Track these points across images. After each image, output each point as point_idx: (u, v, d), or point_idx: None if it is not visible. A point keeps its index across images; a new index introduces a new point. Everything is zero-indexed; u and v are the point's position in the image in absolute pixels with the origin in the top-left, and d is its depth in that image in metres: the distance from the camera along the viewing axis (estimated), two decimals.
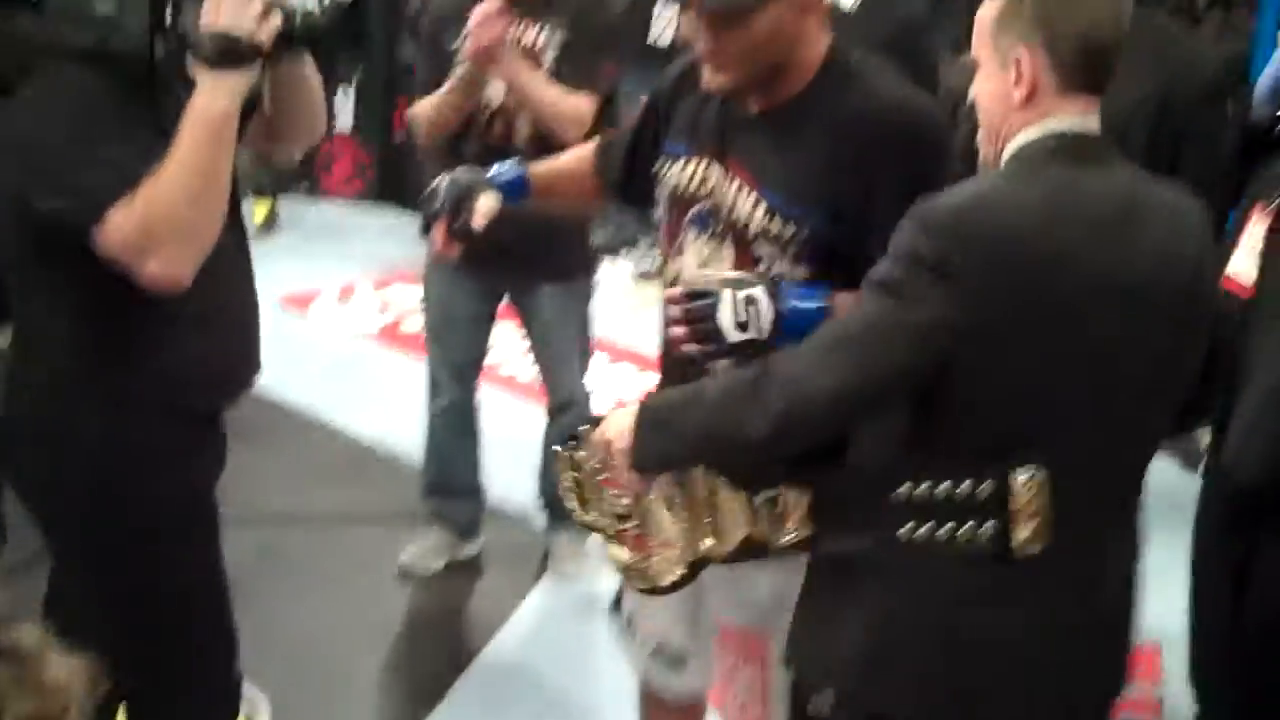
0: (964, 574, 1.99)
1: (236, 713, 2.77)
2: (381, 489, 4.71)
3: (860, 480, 2.09)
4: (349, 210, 7.97)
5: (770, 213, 2.30)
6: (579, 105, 3.65)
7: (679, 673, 2.72)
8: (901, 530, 1.98)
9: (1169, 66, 3.02)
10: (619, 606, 2.77)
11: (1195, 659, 3.01)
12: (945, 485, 1.95)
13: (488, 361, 4.23)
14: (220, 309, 2.49)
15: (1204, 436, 3.12)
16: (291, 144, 2.73)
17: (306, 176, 8.08)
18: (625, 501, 2.32)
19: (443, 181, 2.63)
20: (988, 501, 1.94)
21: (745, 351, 2.18)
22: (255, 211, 7.19)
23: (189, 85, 2.25)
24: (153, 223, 2.21)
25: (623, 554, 2.34)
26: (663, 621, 2.66)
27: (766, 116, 2.34)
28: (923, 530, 1.97)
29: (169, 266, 2.24)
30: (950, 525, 1.95)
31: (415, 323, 4.55)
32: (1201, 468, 3.12)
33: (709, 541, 2.21)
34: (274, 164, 6.56)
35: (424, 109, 3.78)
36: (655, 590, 2.30)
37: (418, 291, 4.17)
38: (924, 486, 1.96)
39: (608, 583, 2.82)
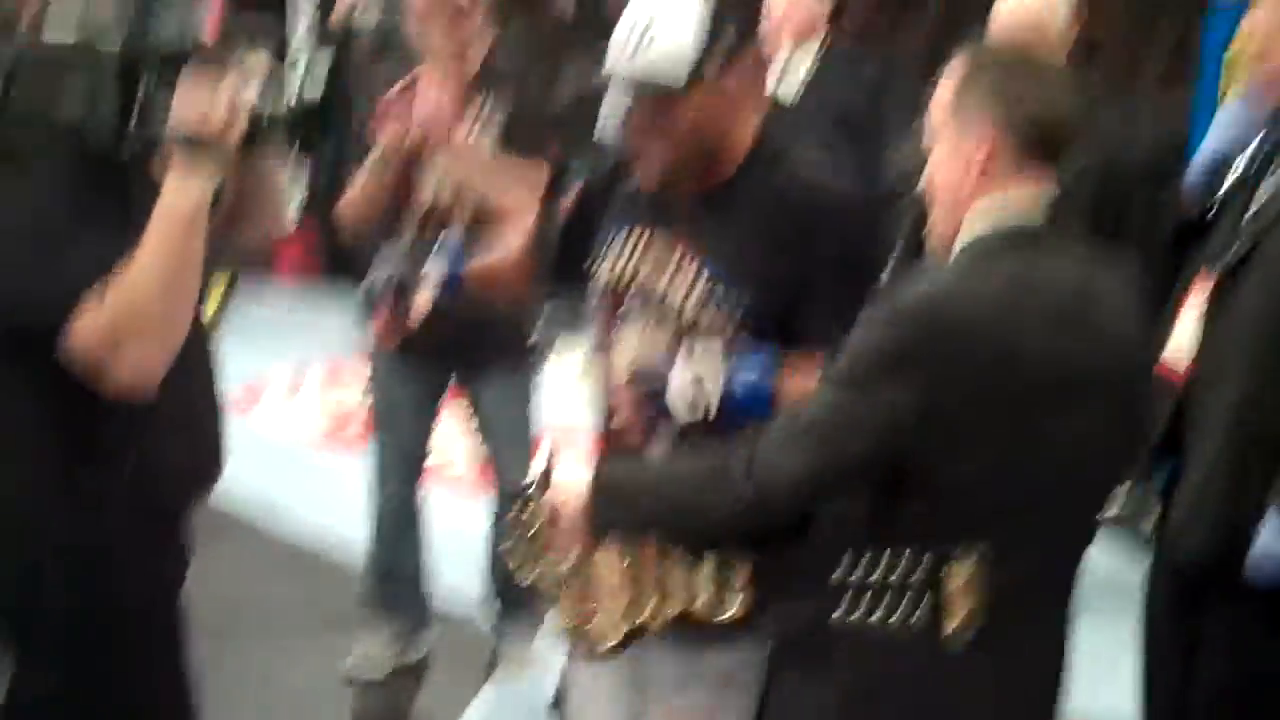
0: (900, 658, 1.99)
1: None
2: (329, 588, 4.66)
3: (803, 559, 2.09)
4: (300, 295, 7.95)
5: (709, 287, 2.32)
6: (519, 187, 3.65)
7: None
8: (838, 611, 1.99)
9: (1109, 142, 3.08)
10: (558, 706, 2.73)
11: None
12: (882, 569, 1.97)
13: (433, 459, 4.21)
14: (186, 404, 2.46)
15: (1151, 519, 3.13)
16: (252, 233, 2.72)
17: (257, 262, 8.04)
18: (571, 561, 2.31)
19: (380, 272, 2.62)
20: (921, 588, 1.95)
21: (693, 432, 2.18)
22: (209, 299, 7.14)
23: (157, 183, 2.24)
24: (123, 322, 2.19)
25: (566, 616, 2.35)
26: None
27: (699, 200, 2.38)
28: (858, 612, 1.98)
29: (140, 367, 2.23)
30: (884, 609, 1.97)
31: (362, 418, 4.53)
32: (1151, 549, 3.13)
33: (651, 608, 2.22)
34: (229, 252, 6.53)
35: (351, 201, 3.78)
36: (595, 654, 2.30)
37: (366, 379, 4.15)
38: (861, 569, 1.98)
39: (555, 682, 2.80)
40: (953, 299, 1.95)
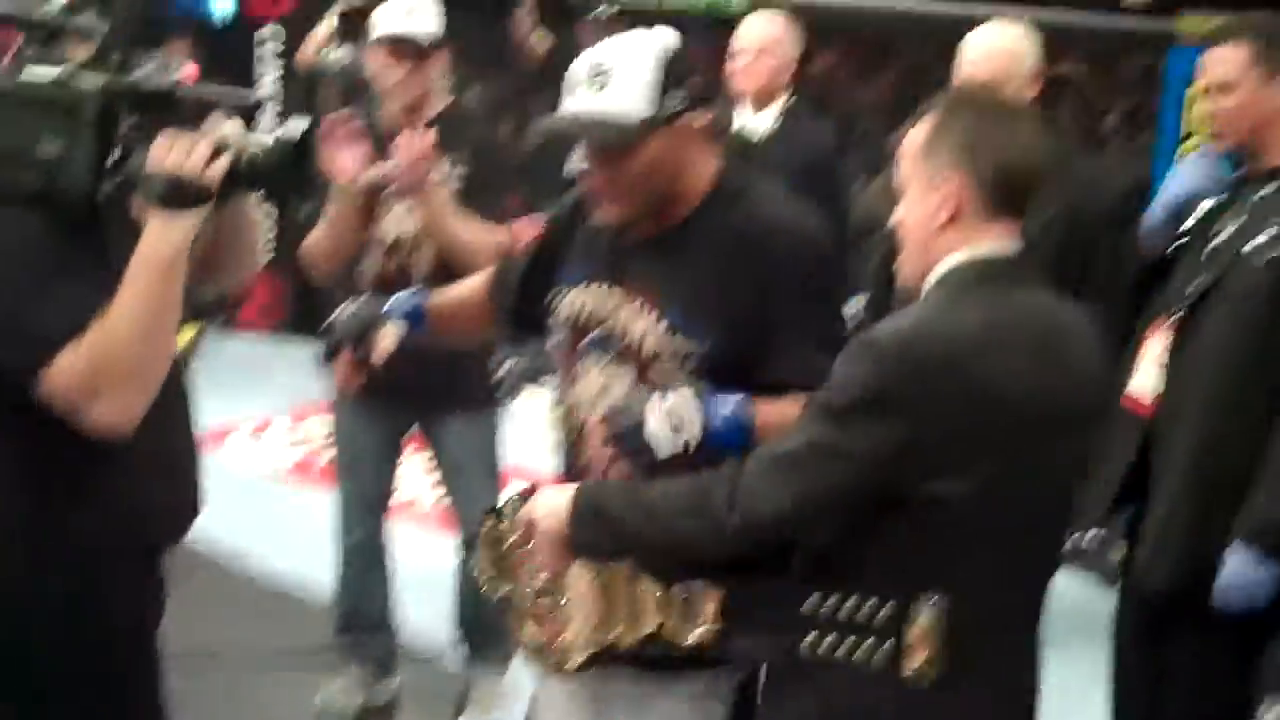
0: (866, 690, 2.01)
1: None
2: (296, 628, 4.63)
3: (773, 588, 2.12)
4: (265, 342, 7.93)
5: (670, 330, 2.34)
6: (492, 238, 3.67)
7: None
8: (805, 640, 2.02)
9: (1075, 189, 3.12)
10: None
11: None
12: (850, 603, 2.00)
13: (398, 496, 4.20)
14: (164, 444, 2.45)
15: (1119, 552, 3.17)
16: (226, 278, 2.71)
17: (226, 308, 8.03)
18: (544, 577, 2.33)
19: (342, 314, 2.63)
20: (886, 625, 1.98)
21: (672, 467, 2.19)
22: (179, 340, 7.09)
23: (136, 225, 2.24)
24: (102, 366, 2.18)
25: (534, 632, 2.36)
26: None
27: (659, 240, 2.40)
28: (825, 644, 2.01)
29: (118, 410, 2.22)
30: (848, 645, 1.99)
31: (330, 457, 4.52)
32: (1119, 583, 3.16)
33: (621, 628, 2.24)
34: (201, 295, 6.51)
35: (314, 242, 3.79)
36: (562, 671, 2.32)
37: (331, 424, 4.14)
38: (831, 601, 2.01)
39: (524, 710, 2.79)
40: (932, 336, 1.98)
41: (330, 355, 2.64)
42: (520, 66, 7.72)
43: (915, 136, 2.09)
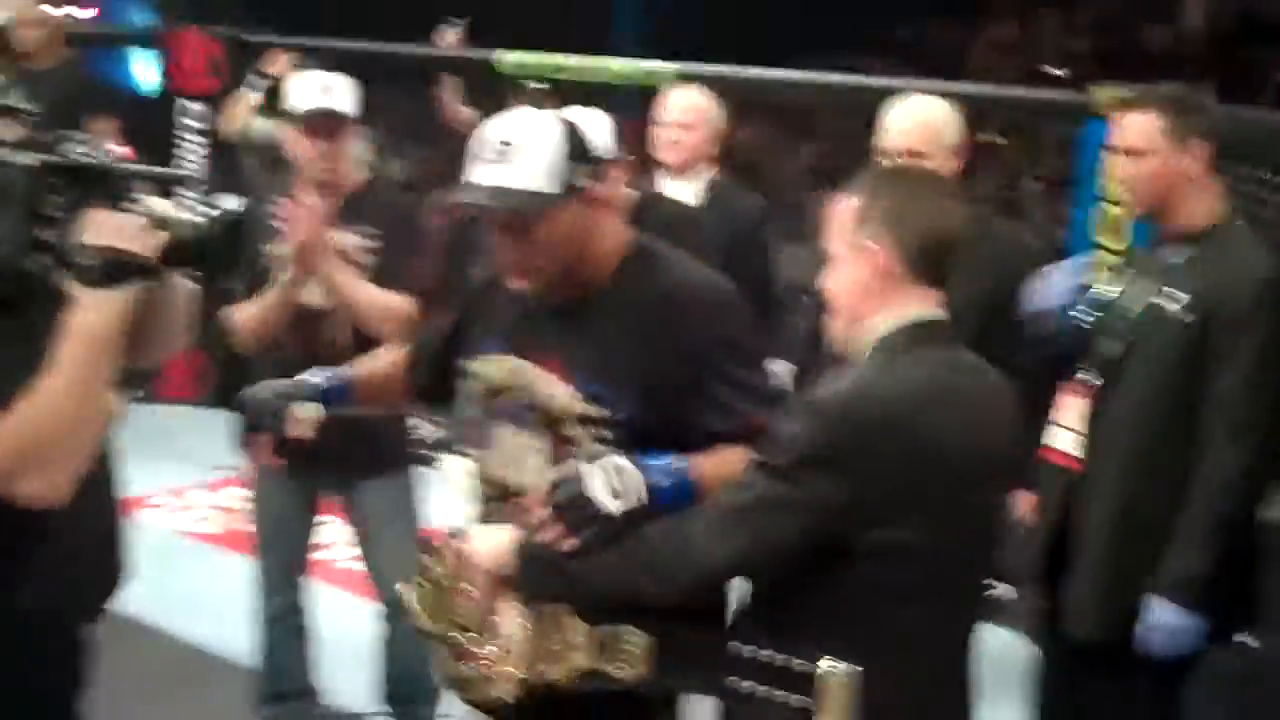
0: None
1: None
2: (217, 697, 4.56)
3: (703, 629, 2.20)
4: (184, 414, 7.86)
5: (587, 399, 2.35)
6: (396, 303, 3.68)
7: None
8: (731, 678, 2.08)
9: (997, 260, 3.18)
10: None
11: None
12: (769, 651, 2.06)
13: (319, 557, 4.18)
14: (92, 515, 2.43)
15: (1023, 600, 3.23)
16: (154, 353, 2.68)
17: (147, 382, 7.94)
18: (473, 613, 2.34)
19: (260, 392, 2.63)
20: (800, 679, 2.04)
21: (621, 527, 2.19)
22: None
23: (64, 300, 2.20)
24: (31, 442, 2.16)
25: (461, 666, 2.38)
26: None
27: (571, 310, 2.42)
28: (745, 685, 2.07)
29: (48, 485, 2.19)
30: (768, 687, 2.06)
31: (249, 523, 4.47)
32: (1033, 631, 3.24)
33: (550, 665, 2.28)
34: (127, 369, 6.43)
35: (243, 316, 3.78)
36: (489, 703, 2.33)
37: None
38: (752, 649, 2.07)
39: None
40: (871, 397, 2.05)
41: (249, 433, 2.63)
42: (448, 140, 7.75)
43: (842, 206, 2.16)
